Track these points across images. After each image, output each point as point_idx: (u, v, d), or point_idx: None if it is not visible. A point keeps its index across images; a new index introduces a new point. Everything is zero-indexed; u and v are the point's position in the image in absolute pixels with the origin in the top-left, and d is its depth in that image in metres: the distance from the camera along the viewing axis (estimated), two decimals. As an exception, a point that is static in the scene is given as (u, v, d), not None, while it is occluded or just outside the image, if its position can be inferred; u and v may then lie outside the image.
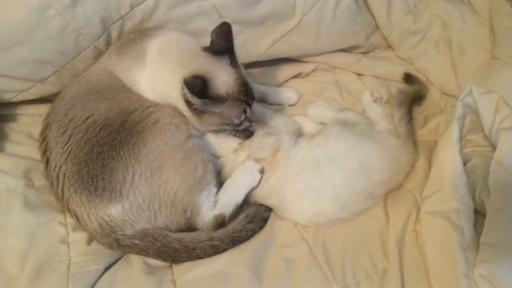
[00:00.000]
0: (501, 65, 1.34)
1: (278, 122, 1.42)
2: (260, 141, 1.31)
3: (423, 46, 1.62)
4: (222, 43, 1.21)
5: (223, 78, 1.18)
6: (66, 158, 1.13)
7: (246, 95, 1.21)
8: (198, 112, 1.18)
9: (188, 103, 1.16)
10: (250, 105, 1.24)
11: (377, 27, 1.68)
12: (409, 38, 1.64)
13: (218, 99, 1.17)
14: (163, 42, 1.26)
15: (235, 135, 1.30)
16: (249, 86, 1.23)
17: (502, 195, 1.04)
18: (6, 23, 1.22)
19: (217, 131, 1.28)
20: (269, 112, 1.46)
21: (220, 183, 1.27)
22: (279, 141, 1.30)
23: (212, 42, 1.23)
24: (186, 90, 1.12)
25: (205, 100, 1.13)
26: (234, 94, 1.20)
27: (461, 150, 1.21)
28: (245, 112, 1.23)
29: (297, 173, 1.24)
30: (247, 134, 1.33)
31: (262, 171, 1.27)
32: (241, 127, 1.27)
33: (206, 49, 1.23)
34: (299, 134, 1.41)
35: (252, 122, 1.30)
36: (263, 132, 1.34)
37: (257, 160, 1.29)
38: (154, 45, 1.26)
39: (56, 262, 1.10)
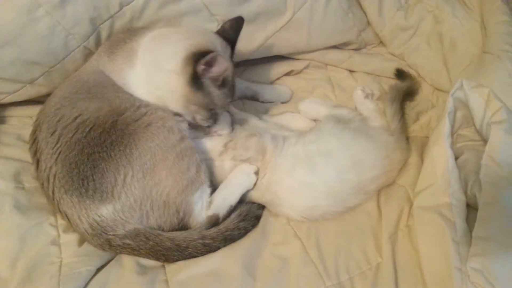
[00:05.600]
0: (492, 59, 1.34)
1: (259, 124, 1.43)
2: (244, 142, 1.30)
3: (415, 41, 1.63)
4: (232, 34, 1.29)
5: (231, 65, 1.23)
6: (56, 159, 1.12)
7: (233, 90, 1.27)
8: (196, 86, 1.18)
9: (194, 75, 1.17)
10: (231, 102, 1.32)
11: (368, 23, 1.68)
12: (401, 34, 1.64)
13: (223, 82, 1.22)
14: (157, 32, 1.27)
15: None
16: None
17: (493, 189, 1.04)
18: (-5, 24, 1.21)
19: (189, 113, 1.25)
20: (250, 116, 1.47)
21: (213, 188, 1.26)
22: (262, 140, 1.29)
23: (224, 29, 1.30)
24: (211, 59, 1.14)
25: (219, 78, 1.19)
26: (230, 84, 1.25)
27: (452, 144, 1.21)
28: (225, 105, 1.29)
29: (289, 170, 1.24)
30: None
31: (257, 173, 1.27)
32: (209, 121, 1.28)
33: (217, 33, 1.29)
34: (287, 131, 1.40)
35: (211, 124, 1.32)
36: (246, 133, 1.33)
37: (244, 161, 1.28)
38: (146, 38, 1.26)
39: (47, 264, 1.09)
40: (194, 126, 1.29)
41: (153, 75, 1.22)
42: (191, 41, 1.20)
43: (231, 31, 1.30)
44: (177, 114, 1.25)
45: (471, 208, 1.11)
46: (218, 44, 1.25)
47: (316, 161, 1.23)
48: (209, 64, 1.16)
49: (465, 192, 1.13)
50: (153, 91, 1.23)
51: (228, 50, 1.29)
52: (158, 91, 1.23)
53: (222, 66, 1.16)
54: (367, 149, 1.27)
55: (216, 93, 1.22)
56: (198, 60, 1.15)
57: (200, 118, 1.26)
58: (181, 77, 1.18)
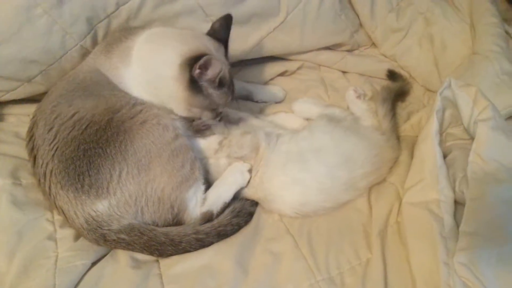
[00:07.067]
0: (480, 60, 1.37)
1: (254, 122, 1.46)
2: (239, 140, 1.32)
3: (406, 43, 1.66)
4: (223, 33, 1.31)
5: (225, 64, 1.26)
6: (53, 155, 1.13)
7: (232, 87, 1.30)
8: (195, 90, 1.22)
9: (192, 80, 1.20)
10: (232, 98, 1.32)
11: (361, 25, 1.71)
12: (392, 36, 1.67)
13: (220, 82, 1.25)
14: (152, 32, 1.30)
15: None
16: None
17: (480, 185, 1.07)
18: (-8, 22, 1.23)
19: (191, 115, 1.30)
20: (245, 115, 1.50)
21: (208, 185, 1.28)
22: (256, 137, 1.32)
23: (214, 30, 1.32)
24: (205, 62, 1.17)
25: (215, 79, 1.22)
26: (228, 82, 1.28)
27: (441, 142, 1.23)
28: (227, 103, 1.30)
29: (281, 166, 1.26)
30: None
31: (251, 171, 1.29)
32: (215, 119, 1.32)
33: (208, 34, 1.32)
34: (281, 130, 1.42)
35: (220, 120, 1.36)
36: (240, 131, 1.35)
37: (239, 159, 1.30)
38: (141, 37, 1.28)
39: (43, 258, 1.10)
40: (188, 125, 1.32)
41: (152, 79, 1.25)
42: (184, 46, 1.22)
43: (222, 30, 1.33)
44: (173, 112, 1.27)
45: (459, 205, 1.13)
46: (211, 46, 1.28)
47: (308, 157, 1.25)
48: (204, 67, 1.19)
49: (454, 189, 1.15)
50: (153, 91, 1.25)
51: (222, 49, 1.32)
52: (158, 92, 1.25)
53: (216, 68, 1.19)
54: (358, 146, 1.29)
55: (216, 94, 1.26)
56: (193, 65, 1.18)
57: (205, 118, 1.30)
58: (180, 83, 1.21)
